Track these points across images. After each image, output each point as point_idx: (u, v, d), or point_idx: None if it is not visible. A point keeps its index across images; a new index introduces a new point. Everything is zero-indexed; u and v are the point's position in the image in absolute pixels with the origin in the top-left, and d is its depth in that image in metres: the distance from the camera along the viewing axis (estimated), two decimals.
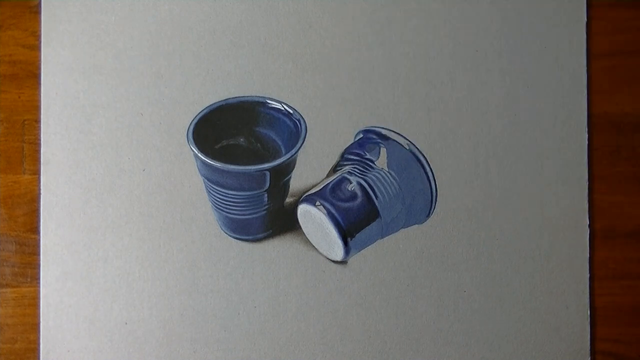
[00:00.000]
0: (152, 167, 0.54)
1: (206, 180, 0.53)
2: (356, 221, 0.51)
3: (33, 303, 0.54)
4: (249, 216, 0.53)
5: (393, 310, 0.54)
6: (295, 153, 0.52)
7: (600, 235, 0.54)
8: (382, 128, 0.54)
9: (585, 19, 0.55)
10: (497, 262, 0.54)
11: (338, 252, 0.52)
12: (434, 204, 0.54)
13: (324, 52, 0.55)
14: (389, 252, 0.54)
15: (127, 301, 0.53)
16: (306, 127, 0.53)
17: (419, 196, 0.53)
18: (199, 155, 0.51)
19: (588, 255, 0.54)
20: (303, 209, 0.53)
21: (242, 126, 0.54)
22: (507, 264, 0.54)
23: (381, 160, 0.53)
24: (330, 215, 0.51)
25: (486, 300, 0.54)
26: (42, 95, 0.54)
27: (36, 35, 0.54)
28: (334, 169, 0.54)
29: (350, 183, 0.52)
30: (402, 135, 0.54)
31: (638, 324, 0.55)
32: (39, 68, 0.54)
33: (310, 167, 0.54)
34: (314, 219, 0.52)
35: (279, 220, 0.54)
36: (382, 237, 0.54)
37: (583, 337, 0.54)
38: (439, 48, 0.55)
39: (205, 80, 0.54)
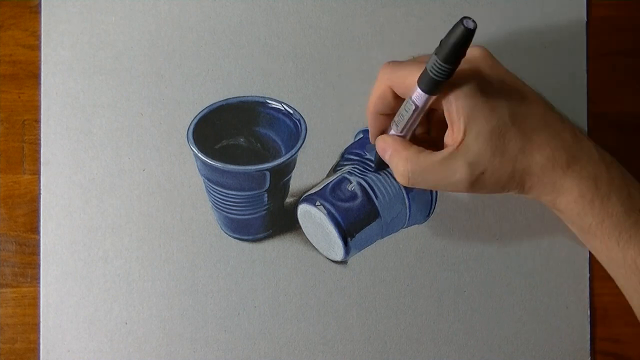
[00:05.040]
0: (152, 167, 0.54)
1: (206, 180, 0.53)
2: (356, 221, 0.51)
3: (33, 303, 0.54)
4: (249, 216, 0.53)
5: (393, 310, 0.54)
6: (295, 153, 0.52)
7: None
8: None
9: (585, 19, 0.55)
10: (497, 262, 0.54)
11: (338, 252, 0.52)
12: (434, 204, 0.54)
13: (324, 52, 0.55)
14: (389, 252, 0.54)
15: (127, 301, 0.53)
16: (306, 127, 0.53)
17: (419, 196, 0.53)
18: (199, 155, 0.51)
19: (588, 255, 0.54)
20: (303, 209, 0.53)
21: (242, 126, 0.54)
22: (507, 264, 0.54)
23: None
24: (330, 215, 0.51)
25: (486, 300, 0.54)
26: (42, 95, 0.54)
27: (36, 35, 0.54)
28: (334, 169, 0.54)
29: (350, 183, 0.52)
30: None
31: (638, 324, 0.54)
32: (39, 68, 0.54)
33: (310, 167, 0.54)
34: (314, 219, 0.52)
35: (279, 220, 0.54)
36: (382, 237, 0.54)
37: (583, 337, 0.54)
38: None
39: (205, 80, 0.54)
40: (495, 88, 0.43)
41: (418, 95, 0.43)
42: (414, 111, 0.44)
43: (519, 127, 0.43)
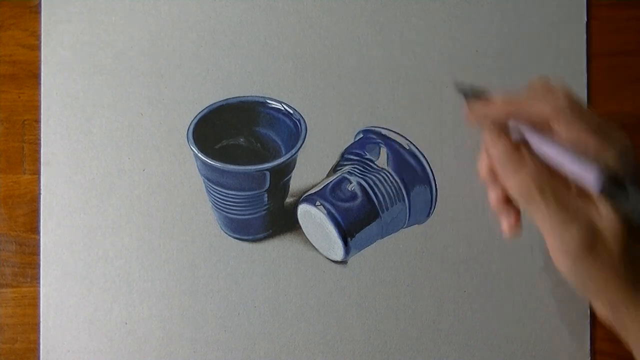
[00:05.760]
0: (152, 167, 0.54)
1: (206, 180, 0.53)
2: (356, 221, 0.51)
3: (33, 303, 0.54)
4: (249, 216, 0.53)
5: (393, 310, 0.54)
6: (295, 153, 0.52)
7: None
8: (382, 128, 0.54)
9: (585, 19, 0.55)
10: (497, 262, 0.54)
11: (338, 252, 0.52)
12: (434, 204, 0.54)
13: (324, 52, 0.55)
14: (389, 252, 0.54)
15: (127, 301, 0.53)
16: (306, 127, 0.53)
17: (419, 196, 0.53)
18: (199, 155, 0.51)
19: None
20: (303, 209, 0.53)
21: (242, 126, 0.54)
22: (507, 264, 0.54)
23: (381, 160, 0.53)
24: (330, 215, 0.51)
25: (486, 300, 0.54)
26: (42, 95, 0.54)
27: (36, 35, 0.54)
28: (334, 169, 0.54)
29: (350, 183, 0.52)
30: (402, 135, 0.54)
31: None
32: (39, 68, 0.54)
33: (310, 167, 0.54)
34: (314, 219, 0.52)
35: (279, 220, 0.54)
36: (382, 237, 0.54)
37: (583, 337, 0.54)
38: (439, 48, 0.55)
39: (205, 80, 0.54)
40: None
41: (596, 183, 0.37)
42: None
43: None
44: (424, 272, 0.54)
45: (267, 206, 0.53)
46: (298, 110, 0.54)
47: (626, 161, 0.37)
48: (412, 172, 0.53)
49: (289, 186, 0.54)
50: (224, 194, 0.52)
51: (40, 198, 0.54)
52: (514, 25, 0.55)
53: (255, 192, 0.52)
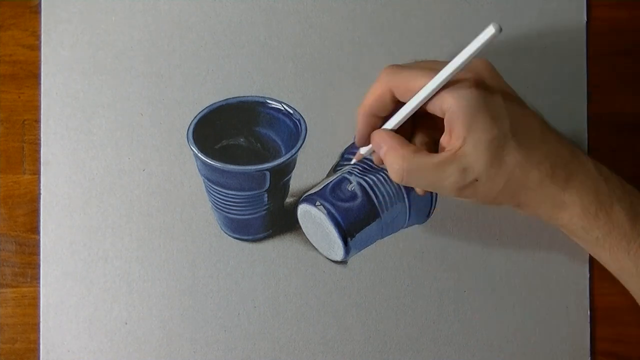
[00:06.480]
0: (152, 167, 0.54)
1: (206, 180, 0.53)
2: (356, 221, 0.51)
3: (33, 303, 0.54)
4: (249, 216, 0.53)
5: (393, 310, 0.54)
6: (295, 153, 0.52)
7: None
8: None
9: (585, 19, 0.55)
10: (497, 262, 0.54)
11: (338, 252, 0.52)
12: (434, 204, 0.54)
13: (324, 52, 0.55)
14: (389, 252, 0.54)
15: (127, 301, 0.53)
16: (306, 127, 0.53)
17: (419, 196, 0.53)
18: (199, 155, 0.51)
19: (588, 255, 0.54)
20: (303, 209, 0.53)
21: (242, 126, 0.54)
22: (507, 264, 0.54)
23: None
24: (330, 215, 0.51)
25: (486, 300, 0.54)
26: (42, 95, 0.54)
27: (36, 35, 0.54)
28: (334, 169, 0.54)
29: (350, 183, 0.52)
30: None
31: (638, 324, 0.55)
32: (39, 68, 0.54)
33: (310, 167, 0.54)
34: (314, 219, 0.52)
35: (279, 220, 0.54)
36: (382, 237, 0.54)
37: (583, 337, 0.54)
38: (439, 48, 0.55)
39: (205, 80, 0.54)
40: (497, 99, 0.43)
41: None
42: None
43: (519, 141, 0.42)
44: (424, 272, 0.54)
45: (267, 206, 0.53)
46: (298, 110, 0.54)
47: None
48: None
49: (289, 186, 0.54)
50: (224, 194, 0.52)
51: (40, 198, 0.54)
52: (514, 26, 0.55)
53: (255, 192, 0.52)
